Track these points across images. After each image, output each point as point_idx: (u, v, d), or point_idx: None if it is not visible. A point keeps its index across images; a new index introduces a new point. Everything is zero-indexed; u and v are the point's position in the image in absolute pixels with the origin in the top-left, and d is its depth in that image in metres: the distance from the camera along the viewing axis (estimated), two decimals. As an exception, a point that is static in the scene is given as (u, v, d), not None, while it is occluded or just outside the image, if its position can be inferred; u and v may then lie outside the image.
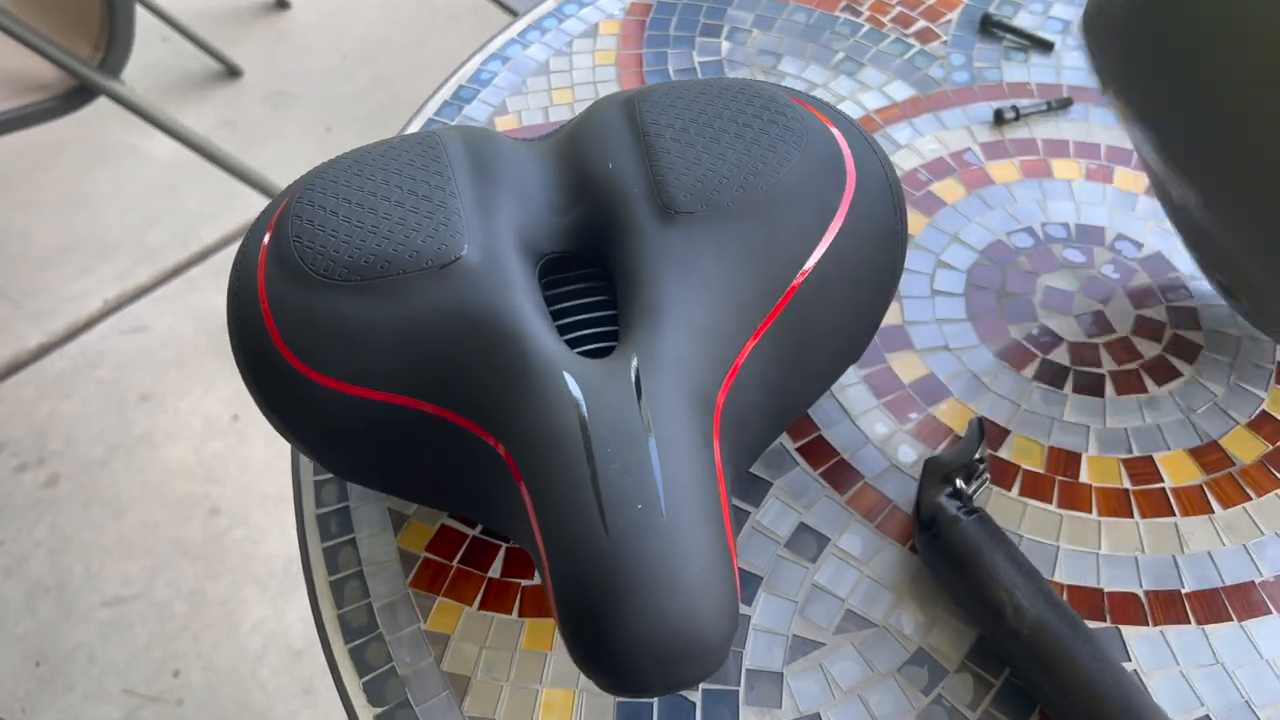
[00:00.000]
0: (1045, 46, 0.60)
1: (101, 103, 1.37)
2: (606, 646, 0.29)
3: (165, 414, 1.41)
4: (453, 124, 0.42)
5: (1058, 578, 0.42)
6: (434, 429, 0.36)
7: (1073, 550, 0.42)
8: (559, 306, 0.38)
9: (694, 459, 0.31)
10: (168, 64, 1.89)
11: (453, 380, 0.35)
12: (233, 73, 1.83)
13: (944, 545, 0.40)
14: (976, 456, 0.41)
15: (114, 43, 1.11)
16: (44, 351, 1.48)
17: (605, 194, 0.39)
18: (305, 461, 0.47)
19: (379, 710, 0.40)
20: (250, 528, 1.30)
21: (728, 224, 0.37)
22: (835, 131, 0.40)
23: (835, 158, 0.39)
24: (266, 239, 0.39)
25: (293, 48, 1.92)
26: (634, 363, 0.33)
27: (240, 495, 1.33)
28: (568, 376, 0.33)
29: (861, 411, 0.47)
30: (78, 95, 1.14)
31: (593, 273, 0.39)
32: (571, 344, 0.37)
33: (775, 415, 0.40)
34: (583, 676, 0.40)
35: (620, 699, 0.39)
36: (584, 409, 0.32)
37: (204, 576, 1.27)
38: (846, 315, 0.40)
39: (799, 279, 0.37)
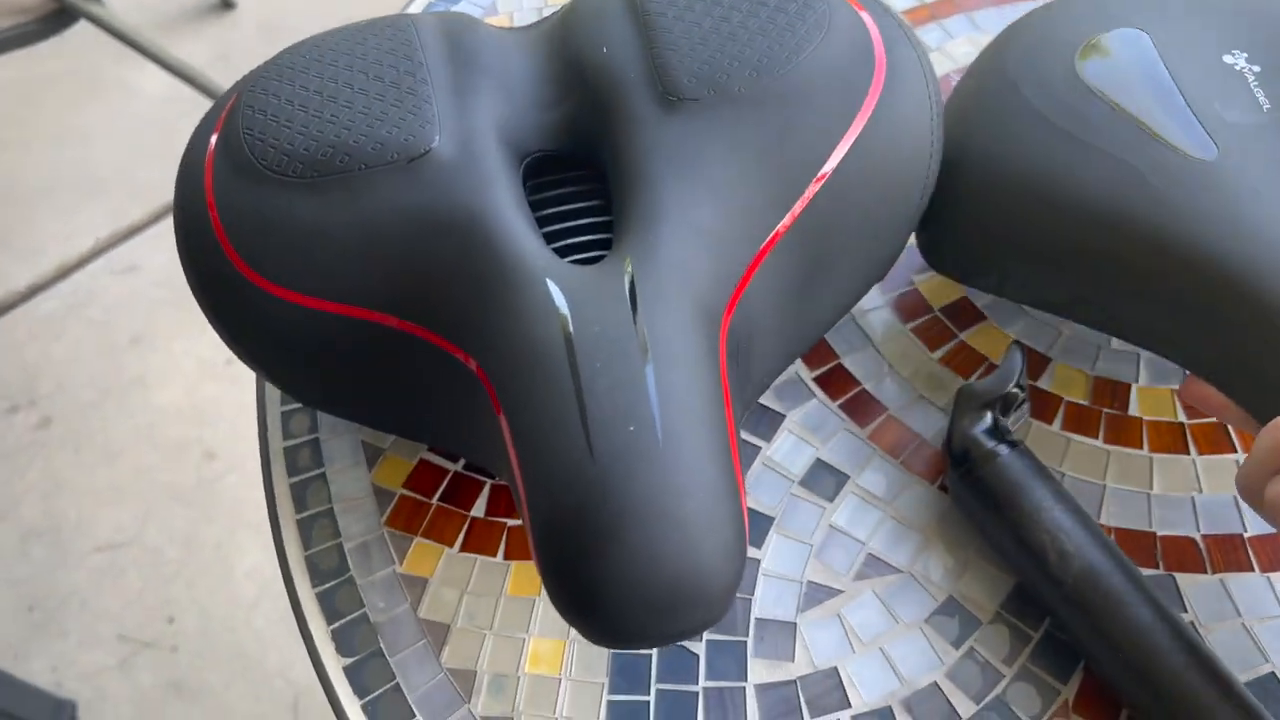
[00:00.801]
0: (1090, -57, 0.54)
1: (90, 37, 1.32)
2: (592, 590, 0.25)
3: (158, 355, 1.37)
4: (450, 11, 0.37)
5: (1104, 520, 0.37)
6: (401, 346, 0.31)
7: (1121, 490, 0.38)
8: (547, 211, 0.34)
9: (697, 377, 0.27)
10: (160, -4, 1.82)
11: (421, 290, 0.31)
12: (227, 4, 1.77)
13: (978, 482, 0.35)
14: (1015, 385, 0.37)
15: (93, -38, 1.06)
16: (34, 291, 1.44)
17: (599, 82, 0.34)
18: (272, 389, 0.42)
19: (348, 661, 0.36)
20: (244, 472, 1.27)
21: (739, 114, 0.32)
22: (864, 14, 0.35)
23: (863, 43, 0.34)
24: (215, 134, 0.34)
25: (288, -21, 1.86)
26: (628, 269, 0.29)
27: (234, 439, 1.29)
28: (551, 284, 0.28)
29: (886, 337, 0.42)
30: (58, 18, 1.09)
31: (586, 174, 0.35)
32: (560, 252, 0.32)
33: (789, 338, 0.35)
34: (574, 625, 0.36)
35: (611, 650, 0.35)
36: (569, 320, 0.27)
37: (198, 522, 1.23)
38: (872, 225, 0.35)
39: (819, 181, 0.33)
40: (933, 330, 0.42)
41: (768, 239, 0.32)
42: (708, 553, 0.25)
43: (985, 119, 0.38)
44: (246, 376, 1.34)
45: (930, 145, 0.35)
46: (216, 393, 1.34)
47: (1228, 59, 0.38)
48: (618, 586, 0.24)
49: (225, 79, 1.57)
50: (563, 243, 0.33)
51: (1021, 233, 0.37)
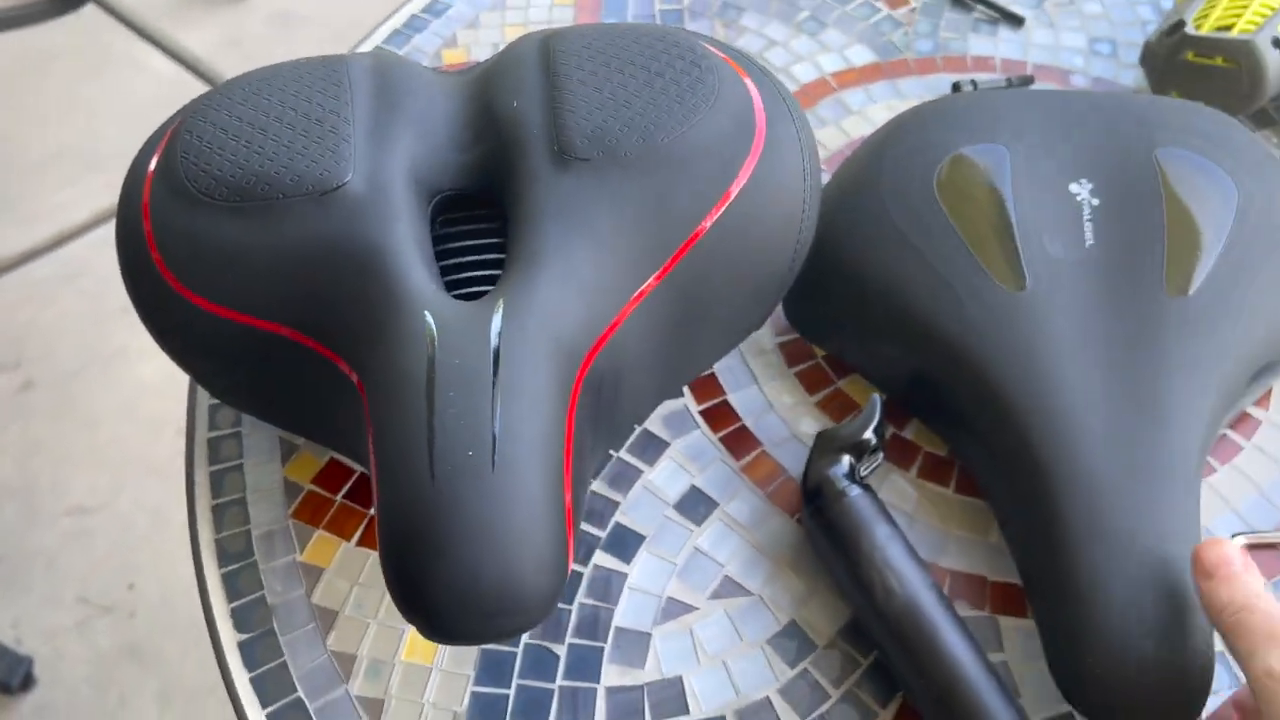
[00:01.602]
0: (1016, 21, 0.58)
1: (104, 15, 1.37)
2: (422, 596, 0.28)
3: (143, 328, 1.41)
4: (386, 51, 0.41)
5: (944, 563, 0.41)
6: (299, 356, 0.35)
7: (964, 537, 0.42)
8: (450, 246, 0.37)
9: (541, 412, 0.31)
10: (178, -22, 1.87)
11: (321, 309, 0.34)
12: (241, -9, 1.81)
13: (826, 518, 0.39)
14: (872, 433, 0.40)
15: (105, -51, 1.10)
16: (28, 258, 1.48)
17: (506, 133, 0.38)
18: (204, 383, 0.46)
19: (243, 636, 0.40)
20: (219, 449, 1.31)
21: (624, 175, 0.36)
22: (751, 87, 0.39)
23: (745, 115, 0.38)
24: (157, 155, 0.38)
25: (305, -30, 1.90)
26: (499, 308, 0.33)
27: (211, 416, 1.33)
28: (427, 315, 0.32)
29: (771, 378, 0.46)
30: (67, 1, 1.13)
31: (493, 213, 0.38)
32: (457, 284, 0.36)
33: (661, 378, 0.39)
34: (450, 621, 0.40)
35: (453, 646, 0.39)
36: (436, 349, 0.31)
37: (169, 494, 1.27)
38: (743, 281, 0.39)
39: (692, 238, 0.36)
40: (813, 376, 0.46)
41: (640, 289, 0.36)
42: (525, 569, 0.28)
43: (849, 211, 0.43)
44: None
45: (801, 214, 0.38)
46: (196, 370, 1.38)
47: (1074, 187, 0.42)
48: (443, 594, 0.28)
49: (234, 65, 1.61)
50: (459, 276, 0.36)
51: (855, 319, 0.43)
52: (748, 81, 0.39)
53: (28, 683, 1.13)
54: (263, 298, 0.35)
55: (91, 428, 1.33)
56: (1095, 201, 0.41)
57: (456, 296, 0.35)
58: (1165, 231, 0.40)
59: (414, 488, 0.29)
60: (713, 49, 0.40)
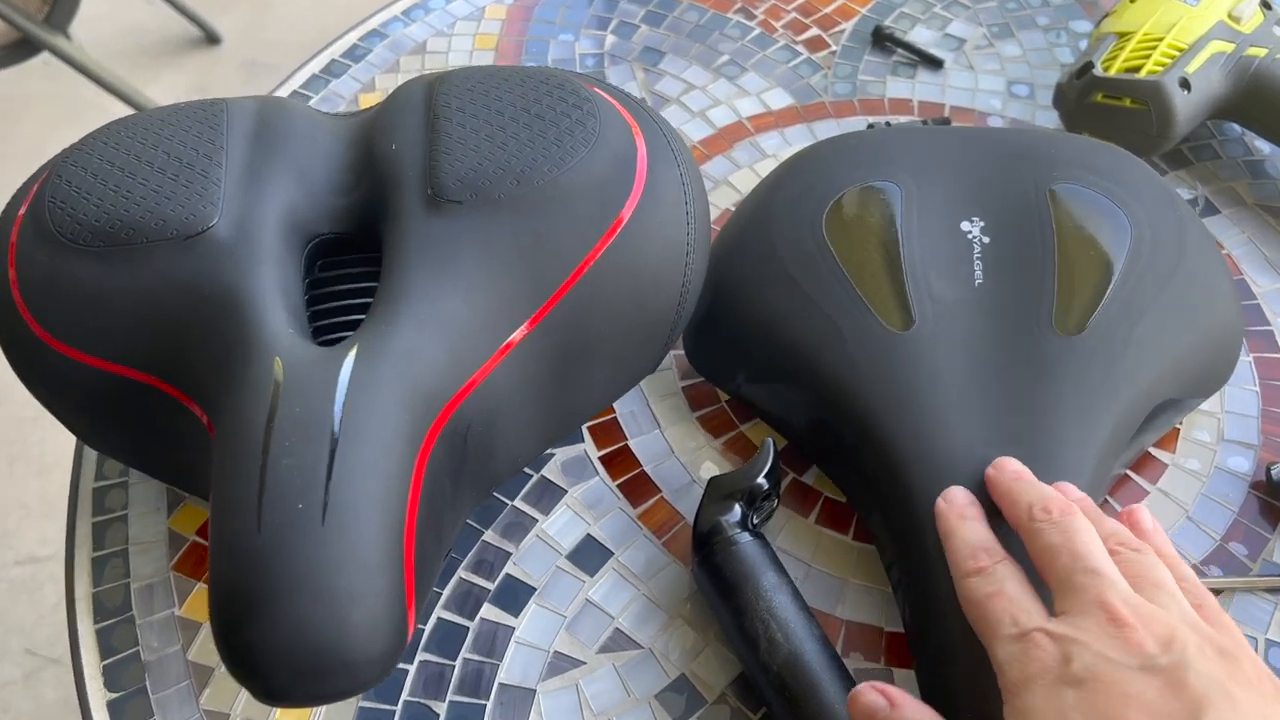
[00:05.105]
0: (935, 64, 0.58)
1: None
2: (245, 653, 0.27)
3: (102, 376, 1.40)
4: (274, 96, 0.40)
5: (840, 613, 0.40)
6: (158, 403, 0.34)
7: (862, 585, 0.40)
8: (324, 290, 0.37)
9: (384, 462, 0.30)
10: (149, 26, 1.88)
11: (178, 354, 0.33)
12: (212, 40, 1.82)
13: (714, 566, 0.38)
14: (764, 479, 0.39)
15: (60, -3, 1.10)
16: (-13, 304, 1.48)
17: (383, 175, 0.37)
18: (93, 432, 0.45)
19: (114, 695, 0.38)
20: (174, 497, 1.29)
21: (496, 217, 0.35)
22: (634, 128, 0.39)
23: (627, 156, 0.37)
24: (27, 201, 0.37)
25: (277, 19, 1.91)
26: (352, 354, 0.32)
27: (168, 463, 1.32)
28: (276, 361, 0.31)
29: (674, 423, 0.45)
30: (20, 49, 1.13)
31: (371, 258, 0.37)
32: (328, 329, 0.35)
33: (542, 424, 0.38)
34: (328, 677, 0.38)
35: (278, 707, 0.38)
36: (280, 398, 0.30)
37: (121, 542, 1.25)
38: (628, 324, 0.38)
39: (569, 281, 0.36)
40: (717, 420, 0.45)
41: (512, 336, 0.35)
42: (354, 626, 0.27)
43: (741, 250, 0.42)
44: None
45: (685, 255, 0.38)
46: (152, 417, 1.36)
47: (965, 225, 0.41)
48: (266, 652, 0.27)
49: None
50: (330, 320, 0.35)
51: (746, 359, 0.42)
52: (631, 122, 0.39)
53: (-31, 739, 1.10)
54: (121, 344, 0.34)
55: (45, 474, 1.31)
56: (986, 240, 0.41)
57: (325, 342, 0.34)
58: (1056, 269, 0.40)
59: (240, 540, 0.27)
60: (599, 91, 0.40)
